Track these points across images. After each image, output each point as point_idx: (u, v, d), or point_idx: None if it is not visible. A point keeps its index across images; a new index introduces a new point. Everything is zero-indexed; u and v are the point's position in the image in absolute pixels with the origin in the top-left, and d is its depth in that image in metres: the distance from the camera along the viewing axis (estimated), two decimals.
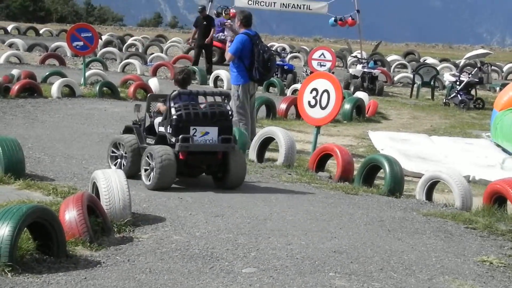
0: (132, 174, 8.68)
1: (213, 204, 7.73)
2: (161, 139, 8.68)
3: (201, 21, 23.86)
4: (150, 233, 6.52)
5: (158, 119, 8.95)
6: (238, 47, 11.52)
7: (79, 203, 6.02)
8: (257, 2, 26.19)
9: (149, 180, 8.34)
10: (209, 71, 22.95)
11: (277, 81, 20.46)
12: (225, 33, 26.14)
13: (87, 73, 18.88)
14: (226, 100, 8.97)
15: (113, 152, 9.04)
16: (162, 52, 30.59)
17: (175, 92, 8.76)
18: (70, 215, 5.96)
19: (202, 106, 8.82)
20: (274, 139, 10.62)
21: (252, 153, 10.72)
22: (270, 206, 7.84)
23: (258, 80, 11.87)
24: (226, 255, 5.99)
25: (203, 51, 23.85)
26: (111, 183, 6.74)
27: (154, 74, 22.73)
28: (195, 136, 8.50)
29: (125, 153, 8.85)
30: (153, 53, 29.25)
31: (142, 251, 6.00)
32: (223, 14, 25.48)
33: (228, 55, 11.78)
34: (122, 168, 8.74)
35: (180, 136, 8.41)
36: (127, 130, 9.33)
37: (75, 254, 5.71)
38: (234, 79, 11.86)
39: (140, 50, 32.26)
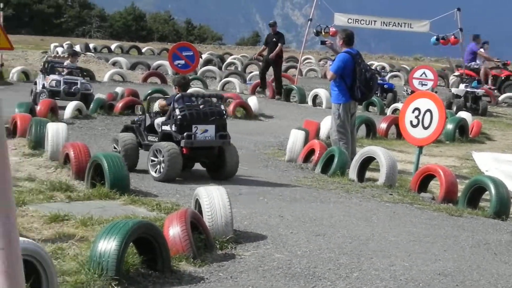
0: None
1: (314, 223, 7.69)
2: (165, 137, 9.85)
3: (271, 37, 22.71)
4: (251, 250, 6.53)
5: (159, 119, 10.09)
6: (340, 66, 11.46)
7: (183, 220, 6.09)
8: (357, 20, 25.95)
9: (158, 172, 9.54)
10: (278, 89, 22.28)
11: (377, 100, 20.29)
12: (477, 61, 25.50)
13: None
14: (220, 101, 10.19)
15: (114, 148, 10.39)
16: None
17: (179, 95, 9.96)
18: (174, 231, 6.04)
19: (200, 106, 9.98)
20: (375, 158, 10.49)
21: (352, 173, 10.61)
22: (372, 226, 7.74)
23: (360, 99, 11.80)
24: (328, 275, 5.94)
25: (272, 68, 22.57)
26: (213, 200, 6.79)
27: (253, 92, 22.85)
28: (197, 133, 9.71)
29: (120, 150, 10.07)
30: (252, 72, 29.45)
31: (245, 268, 6.00)
32: (323, 33, 25.37)
33: (329, 73, 11.75)
34: None
35: (185, 134, 9.62)
36: (126, 129, 10.57)
37: (179, 270, 5.76)
38: (335, 97, 11.79)
39: (239, 69, 32.58)
